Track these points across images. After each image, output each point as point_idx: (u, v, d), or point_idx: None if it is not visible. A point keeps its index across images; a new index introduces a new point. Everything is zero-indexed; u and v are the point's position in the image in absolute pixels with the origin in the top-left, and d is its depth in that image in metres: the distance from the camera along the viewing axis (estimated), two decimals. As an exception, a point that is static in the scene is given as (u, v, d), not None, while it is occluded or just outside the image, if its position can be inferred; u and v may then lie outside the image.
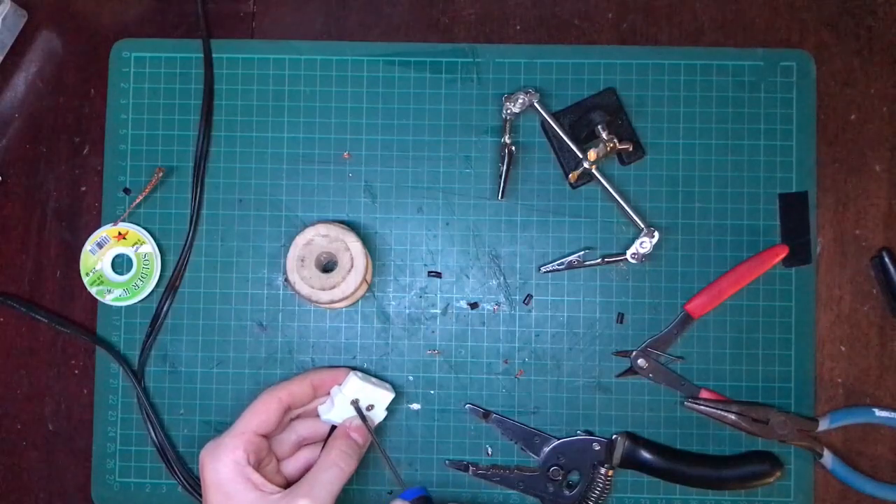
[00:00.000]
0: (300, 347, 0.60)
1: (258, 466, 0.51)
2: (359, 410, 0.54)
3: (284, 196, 0.60)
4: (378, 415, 0.56)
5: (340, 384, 0.55)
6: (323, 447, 0.54)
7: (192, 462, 0.59)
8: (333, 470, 0.51)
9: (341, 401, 0.54)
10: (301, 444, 0.56)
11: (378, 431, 0.58)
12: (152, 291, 0.59)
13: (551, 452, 0.58)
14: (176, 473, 0.59)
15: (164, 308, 0.59)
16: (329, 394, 0.55)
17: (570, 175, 0.58)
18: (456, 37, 0.61)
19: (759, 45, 0.60)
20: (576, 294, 0.59)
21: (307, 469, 0.55)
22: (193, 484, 0.58)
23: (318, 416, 0.55)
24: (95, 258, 0.59)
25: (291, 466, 0.55)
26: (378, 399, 0.55)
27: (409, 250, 0.60)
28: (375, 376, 0.58)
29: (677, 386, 0.58)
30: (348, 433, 0.53)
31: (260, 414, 0.52)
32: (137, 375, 0.59)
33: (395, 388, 0.58)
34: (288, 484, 0.54)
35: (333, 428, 0.54)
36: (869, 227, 0.60)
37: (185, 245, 0.59)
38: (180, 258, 0.59)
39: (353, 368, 0.57)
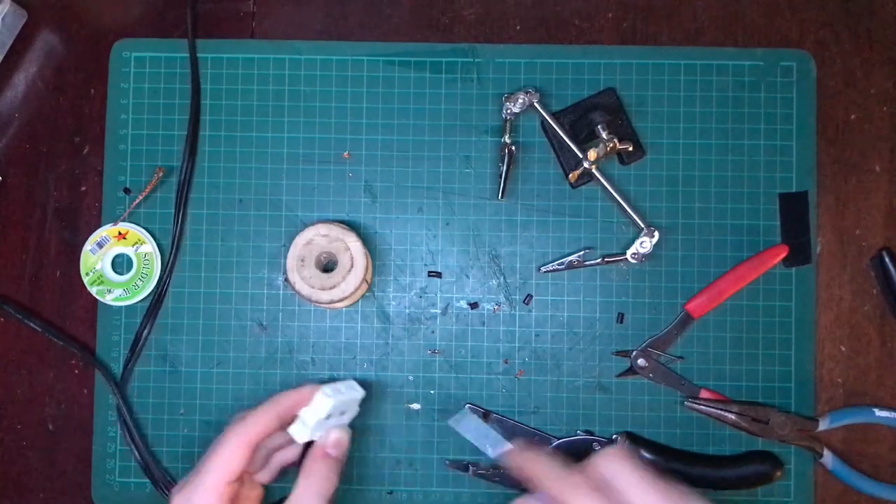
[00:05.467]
0: (300, 347, 0.60)
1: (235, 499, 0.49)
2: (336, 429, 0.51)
3: (284, 196, 0.60)
4: (352, 415, 0.53)
5: (308, 404, 0.50)
6: (300, 464, 0.50)
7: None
8: (315, 499, 0.47)
9: (313, 420, 0.49)
10: (271, 456, 0.52)
11: (379, 430, 0.58)
12: (152, 291, 0.59)
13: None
14: (163, 490, 0.58)
15: (148, 325, 0.59)
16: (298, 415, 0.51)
17: (570, 175, 0.58)
18: (456, 37, 0.61)
19: (759, 45, 0.60)
20: (576, 294, 0.59)
21: (280, 471, 0.52)
22: None
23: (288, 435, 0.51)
24: (95, 258, 0.59)
25: (266, 474, 0.52)
26: (349, 404, 0.53)
27: (409, 250, 0.60)
28: (338, 379, 0.56)
29: (677, 386, 0.58)
30: (325, 453, 0.50)
31: (229, 463, 0.48)
32: (122, 393, 0.59)
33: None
34: (264, 490, 0.52)
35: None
36: (869, 227, 0.60)
37: (171, 250, 0.60)
38: (165, 266, 0.60)
39: (321, 383, 0.52)
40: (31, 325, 0.59)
